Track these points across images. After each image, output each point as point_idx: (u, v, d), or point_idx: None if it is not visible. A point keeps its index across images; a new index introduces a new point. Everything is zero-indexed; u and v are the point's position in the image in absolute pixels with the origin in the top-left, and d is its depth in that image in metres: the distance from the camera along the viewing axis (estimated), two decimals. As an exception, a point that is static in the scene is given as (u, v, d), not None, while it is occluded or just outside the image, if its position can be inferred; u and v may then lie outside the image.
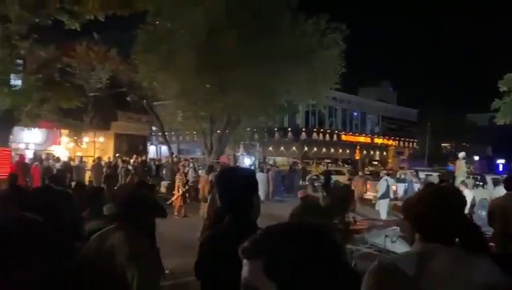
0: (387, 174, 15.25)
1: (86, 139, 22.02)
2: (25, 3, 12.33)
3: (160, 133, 26.79)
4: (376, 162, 43.40)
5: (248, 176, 2.17)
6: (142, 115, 26.85)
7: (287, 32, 16.77)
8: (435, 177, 15.73)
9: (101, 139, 24.86)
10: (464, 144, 45.38)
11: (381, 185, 14.01)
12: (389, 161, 44.04)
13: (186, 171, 20.06)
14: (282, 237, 0.90)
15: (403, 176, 18.01)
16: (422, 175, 17.85)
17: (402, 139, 48.80)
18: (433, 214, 1.53)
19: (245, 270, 0.90)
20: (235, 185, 2.02)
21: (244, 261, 0.90)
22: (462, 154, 16.04)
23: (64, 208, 2.78)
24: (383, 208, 13.70)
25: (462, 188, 10.12)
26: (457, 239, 1.54)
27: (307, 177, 20.29)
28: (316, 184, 16.70)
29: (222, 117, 19.55)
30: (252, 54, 15.74)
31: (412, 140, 49.14)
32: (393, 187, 14.79)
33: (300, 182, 22.01)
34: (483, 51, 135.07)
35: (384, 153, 46.51)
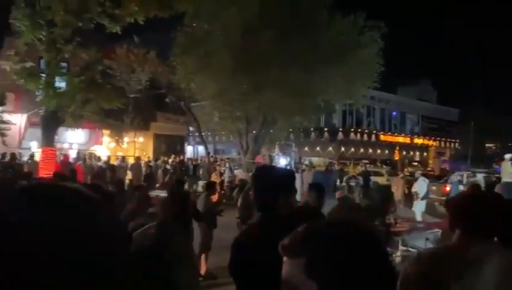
0: (423, 175, 14.75)
1: (126, 139, 22.63)
2: (69, 8, 12.82)
3: (197, 134, 27.21)
4: (416, 163, 42.24)
5: (282, 175, 2.15)
6: (180, 116, 27.35)
7: (323, 31, 16.60)
8: (480, 178, 15.16)
9: (141, 139, 25.48)
10: (510, 144, 43.39)
11: (420, 186, 13.50)
12: (430, 161, 42.75)
13: (222, 171, 20.29)
14: (324, 235, 0.86)
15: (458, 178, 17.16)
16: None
17: (443, 139, 47.23)
18: (477, 208, 1.65)
19: (285, 269, 0.88)
20: (268, 184, 2.01)
21: (284, 259, 0.88)
22: (508, 156, 15.31)
23: (109, 206, 2.85)
24: (418, 210, 13.26)
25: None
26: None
27: (344, 178, 19.99)
28: (351, 184, 16.44)
29: (258, 117, 19.61)
30: (287, 54, 15.68)
31: (453, 140, 47.50)
32: (433, 188, 14.28)
33: (338, 183, 21.73)
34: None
35: (425, 154, 45.19)
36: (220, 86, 17.66)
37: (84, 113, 15.04)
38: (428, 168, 35.44)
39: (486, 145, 45.86)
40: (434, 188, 14.41)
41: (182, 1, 6.15)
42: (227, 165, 21.42)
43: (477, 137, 42.20)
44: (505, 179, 13.41)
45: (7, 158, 13.97)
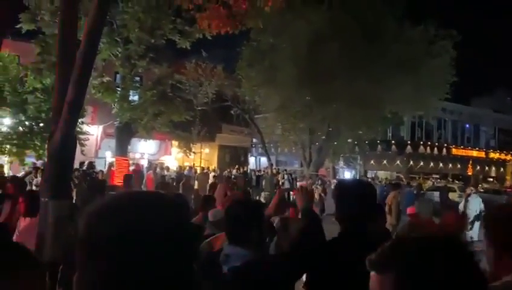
0: (475, 192, 12.94)
1: (193, 150, 23.41)
2: (143, 25, 13.61)
3: (260, 145, 27.50)
4: (492, 179, 39.45)
5: (365, 188, 2.13)
6: (244, 128, 27.83)
7: (391, 40, 16.17)
8: None
9: (207, 150, 26.19)
10: None
11: (473, 205, 11.71)
12: (507, 177, 39.74)
13: (281, 182, 20.27)
14: (415, 251, 0.84)
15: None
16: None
17: (523, 154, 43.72)
18: None
19: (372, 283, 0.87)
20: (350, 196, 2.01)
21: (372, 273, 0.87)
22: None
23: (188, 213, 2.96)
24: (475, 232, 11.51)
25: None
26: None
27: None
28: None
29: (321, 129, 19.42)
30: (354, 64, 15.44)
31: (535, 155, 43.80)
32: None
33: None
34: None
35: (501, 169, 42.10)
36: (283, 98, 17.76)
37: (155, 125, 15.79)
38: (506, 185, 32.96)
39: None
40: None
41: (252, 18, 6.30)
42: (285, 176, 21.38)
43: None
44: None
45: (85, 166, 14.95)
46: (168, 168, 18.88)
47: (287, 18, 16.16)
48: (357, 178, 24.65)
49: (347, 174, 27.88)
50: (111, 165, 15.31)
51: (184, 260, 0.75)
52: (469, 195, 12.30)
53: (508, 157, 42.45)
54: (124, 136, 16.17)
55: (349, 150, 25.71)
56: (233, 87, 20.66)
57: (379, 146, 34.05)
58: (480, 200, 11.95)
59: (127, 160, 15.74)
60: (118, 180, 14.26)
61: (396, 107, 19.31)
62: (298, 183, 22.40)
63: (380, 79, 15.85)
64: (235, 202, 2.46)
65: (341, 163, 29.11)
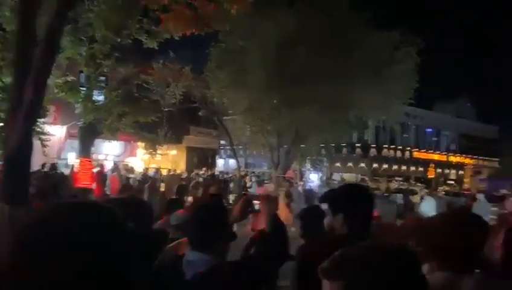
0: (429, 194, 13.42)
1: (159, 151, 23.08)
2: (109, 24, 13.31)
3: (228, 147, 27.44)
4: (452, 181, 40.95)
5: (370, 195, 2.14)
6: (212, 130, 27.71)
7: (358, 46, 16.50)
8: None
9: (174, 152, 25.90)
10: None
11: (425, 207, 11.78)
12: (466, 180, 41.35)
13: (248, 185, 20.32)
14: (362, 259, 0.86)
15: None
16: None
17: (481, 157, 45.60)
18: (454, 243, 1.46)
19: None
20: (358, 203, 1.98)
21: (324, 281, 0.88)
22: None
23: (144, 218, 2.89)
24: None
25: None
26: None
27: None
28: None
29: (289, 132, 19.57)
30: (321, 69, 15.65)
31: (492, 159, 45.80)
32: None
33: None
34: None
35: (461, 172, 43.75)
36: (252, 101, 17.79)
37: (120, 125, 15.48)
38: (464, 188, 34.28)
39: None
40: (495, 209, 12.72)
41: (218, 20, 6.28)
42: (253, 179, 21.44)
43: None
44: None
45: (46, 168, 14.49)
46: (133, 170, 18.55)
47: (256, 21, 16.21)
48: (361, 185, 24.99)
49: (314, 177, 28.21)
50: (74, 166, 14.92)
51: (119, 268, 0.75)
52: (422, 197, 12.64)
53: (467, 160, 44.19)
54: (87, 137, 15.77)
55: (316, 153, 26.01)
56: (201, 89, 20.50)
57: (345, 149, 34.72)
58: (434, 202, 12.03)
59: (90, 161, 15.37)
60: (82, 182, 13.93)
61: (361, 112, 19.70)
62: (262, 189, 22.55)
63: (347, 84, 16.14)
64: (199, 206, 2.42)
65: (308, 165, 29.41)
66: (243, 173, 25.45)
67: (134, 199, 3.14)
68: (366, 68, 16.16)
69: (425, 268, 1.48)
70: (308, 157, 26.54)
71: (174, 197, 8.09)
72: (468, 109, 52.11)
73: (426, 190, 14.78)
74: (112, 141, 19.65)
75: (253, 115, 18.74)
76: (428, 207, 11.56)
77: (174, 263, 2.38)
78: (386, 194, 19.03)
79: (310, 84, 15.90)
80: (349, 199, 1.99)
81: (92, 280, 0.70)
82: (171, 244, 2.81)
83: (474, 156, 44.92)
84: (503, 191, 27.02)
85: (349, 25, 16.54)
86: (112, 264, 0.74)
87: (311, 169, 29.69)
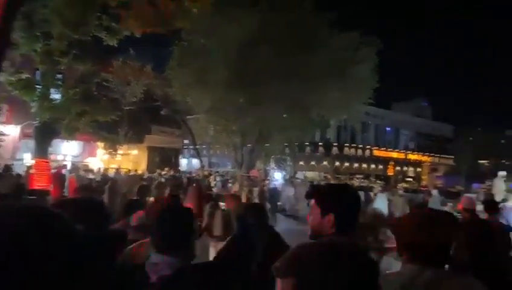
0: (382, 191, 14.23)
1: (120, 151, 22.58)
2: (66, 21, 12.86)
3: (192, 147, 27.20)
4: (410, 179, 42.37)
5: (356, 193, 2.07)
6: (175, 129, 27.37)
7: (320, 47, 16.76)
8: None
9: (135, 152, 25.42)
10: (503, 161, 43.66)
11: (377, 203, 12.47)
12: (423, 177, 42.90)
13: (214, 184, 20.21)
14: (312, 256, 0.87)
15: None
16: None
17: (437, 155, 47.47)
18: (424, 238, 1.57)
19: (277, 288, 0.89)
20: (343, 203, 1.91)
21: (277, 279, 0.89)
22: (502, 173, 15.54)
23: (99, 219, 2.81)
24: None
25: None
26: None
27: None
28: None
29: (253, 131, 19.63)
30: (284, 69, 15.79)
31: (447, 156, 47.77)
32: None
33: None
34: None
35: (418, 170, 45.36)
36: (215, 100, 17.71)
37: (79, 125, 15.00)
38: (422, 185, 35.57)
39: (480, 161, 46.08)
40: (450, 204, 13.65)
41: (179, 19, 6.18)
42: (217, 178, 21.37)
43: (471, 153, 42.45)
44: (498, 196, 13.48)
45: (0, 169, 13.87)
46: (92, 171, 18.04)
47: (219, 19, 16.15)
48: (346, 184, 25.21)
49: (278, 175, 28.46)
50: (30, 167, 14.36)
51: (63, 270, 0.74)
52: (376, 194, 13.35)
53: (425, 158, 45.85)
54: (44, 136, 15.17)
55: (280, 152, 26.24)
56: (163, 87, 20.19)
57: (308, 148, 35.23)
58: (386, 199, 12.88)
59: (47, 162, 14.81)
60: (38, 184, 13.41)
61: (323, 111, 20.03)
62: (229, 186, 22.49)
63: (309, 83, 16.36)
64: (164, 208, 2.36)
65: (272, 164, 29.64)
66: (206, 173, 25.29)
67: (88, 200, 3.05)
68: (328, 68, 16.44)
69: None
70: (272, 157, 26.75)
71: (135, 198, 7.92)
72: (425, 108, 54.14)
73: (380, 188, 15.50)
74: (70, 141, 19.01)
75: (217, 115, 18.66)
76: (381, 204, 12.26)
77: (135, 266, 2.33)
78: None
79: (274, 83, 16.01)
80: (341, 199, 1.94)
81: (37, 281, 0.70)
82: (131, 246, 2.75)
83: (431, 154, 46.71)
84: (459, 188, 28.28)
85: (312, 25, 16.78)
86: (53, 266, 0.73)
87: (275, 168, 29.94)
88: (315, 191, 2.19)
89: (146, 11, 5.93)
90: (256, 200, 15.85)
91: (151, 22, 5.85)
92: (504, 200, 11.95)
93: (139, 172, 20.61)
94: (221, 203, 6.16)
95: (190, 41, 18.11)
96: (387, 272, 2.06)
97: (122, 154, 22.95)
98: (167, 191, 13.47)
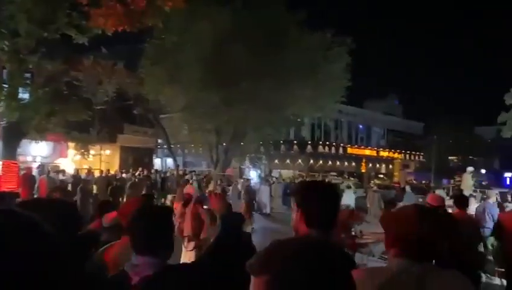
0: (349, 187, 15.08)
1: (92, 152, 22.12)
2: (34, 18, 12.50)
3: (165, 146, 26.88)
4: (382, 175, 43.17)
5: (333, 190, 2.02)
6: (148, 128, 26.99)
7: (293, 46, 16.88)
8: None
9: (107, 152, 24.96)
10: (471, 157, 45.05)
11: (345, 199, 13.05)
12: (395, 174, 43.79)
13: (191, 183, 20.05)
14: (286, 253, 0.88)
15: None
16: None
17: (408, 152, 48.57)
18: (415, 233, 1.58)
19: (251, 286, 0.90)
20: (321, 200, 1.88)
21: (252, 277, 0.90)
22: (470, 169, 16.02)
23: (70, 221, 2.77)
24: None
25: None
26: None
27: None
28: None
29: (228, 130, 19.59)
30: (258, 68, 15.84)
31: (418, 153, 48.94)
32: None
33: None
34: (489, 65, 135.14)
35: (390, 166, 46.28)
36: (189, 99, 17.59)
37: (49, 125, 14.63)
38: (394, 181, 36.33)
39: (449, 158, 47.41)
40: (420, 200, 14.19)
41: (150, 17, 6.10)
42: (194, 177, 21.23)
43: (440, 150, 43.57)
44: (466, 191, 13.93)
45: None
46: (64, 172, 17.62)
47: (192, 18, 16.05)
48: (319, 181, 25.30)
49: (253, 174, 28.52)
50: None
51: (29, 273, 0.75)
52: (343, 191, 14.06)
53: (396, 155, 46.80)
54: (12, 137, 14.70)
55: (254, 150, 26.28)
56: (136, 86, 19.87)
57: (282, 146, 35.39)
58: (353, 194, 13.32)
59: (16, 164, 14.39)
60: (7, 186, 13.02)
61: (297, 109, 20.20)
62: (210, 187, 22.39)
63: (283, 82, 16.47)
64: (141, 209, 2.32)
65: (247, 163, 29.67)
66: (181, 172, 25.09)
67: (57, 201, 3.01)
68: (301, 67, 16.59)
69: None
70: (247, 155, 26.77)
71: (107, 199, 7.82)
72: (396, 107, 55.32)
73: (345, 184, 16.13)
74: (40, 142, 18.47)
75: (192, 113, 18.53)
76: (348, 200, 12.92)
77: (100, 269, 2.31)
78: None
79: (248, 82, 16.04)
80: (308, 195, 1.92)
81: (5, 282, 0.70)
82: (103, 248, 2.73)
83: (402, 151, 47.73)
84: (429, 184, 29.03)
85: (284, 24, 16.89)
86: (22, 267, 0.74)
87: (250, 166, 29.99)
88: (291, 189, 2.21)
89: (116, 9, 5.82)
90: (231, 200, 15.84)
91: (122, 20, 5.74)
92: (471, 195, 12.36)
93: (112, 172, 20.27)
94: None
95: (163, 39, 17.91)
96: (368, 267, 2.08)
97: (94, 155, 22.48)
98: (141, 191, 13.36)
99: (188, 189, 6.78)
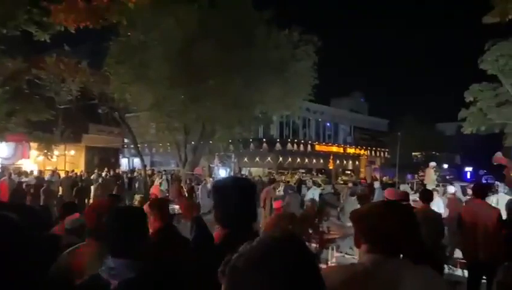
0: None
1: (56, 152, 21.49)
2: (-9, 14, 12.02)
3: (132, 146, 26.40)
4: (349, 172, 43.98)
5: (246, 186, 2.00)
6: (114, 128, 26.44)
7: (261, 43, 16.93)
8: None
9: (72, 152, 24.32)
10: (434, 152, 46.52)
11: (308, 196, 13.38)
12: (362, 170, 44.71)
13: (160, 182, 19.81)
14: (247, 260, 0.87)
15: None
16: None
17: (374, 148, 49.69)
18: (384, 228, 1.60)
19: None
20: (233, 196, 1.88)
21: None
22: (432, 164, 16.56)
23: (34, 224, 2.70)
24: None
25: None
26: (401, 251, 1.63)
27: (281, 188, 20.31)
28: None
29: (196, 128, 19.44)
30: (226, 65, 15.79)
31: (383, 149, 50.15)
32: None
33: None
34: (451, 62, 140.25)
35: (357, 163, 47.21)
36: (156, 97, 17.32)
37: (9, 125, 14.14)
38: (360, 177, 37.08)
39: (413, 153, 48.77)
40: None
41: (114, 13, 5.96)
42: (163, 177, 20.99)
43: (404, 146, 44.75)
44: (429, 185, 14.40)
45: None
46: (26, 173, 17.04)
47: (157, 15, 15.83)
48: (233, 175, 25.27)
49: (222, 172, 28.46)
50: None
51: None
52: (309, 188, 14.50)
53: (362, 151, 47.79)
54: (-30, 138, 14.15)
55: (224, 149, 26.20)
56: (101, 85, 19.38)
57: (252, 144, 35.47)
58: (317, 191, 13.63)
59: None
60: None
61: (266, 107, 20.26)
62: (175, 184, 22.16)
63: (251, 80, 16.49)
64: (116, 210, 2.25)
65: (216, 161, 29.55)
66: (149, 172, 24.73)
67: (17, 205, 2.93)
68: (268, 65, 16.66)
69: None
70: (217, 154, 26.67)
71: (72, 200, 7.63)
72: (362, 104, 56.47)
73: (315, 180, 16.51)
74: (0, 143, 17.80)
75: (159, 112, 18.26)
76: (312, 195, 12.95)
77: (67, 273, 2.27)
78: (293, 186, 19.97)
79: (216, 80, 15.97)
80: (220, 194, 1.89)
81: None
82: (68, 251, 2.67)
83: (368, 148, 48.80)
84: (395, 179, 29.81)
85: (251, 22, 16.91)
86: None
87: (220, 165, 29.90)
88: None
89: (78, 5, 5.66)
90: (201, 199, 15.78)
91: (84, 16, 5.59)
92: (434, 189, 12.78)
93: (77, 173, 19.77)
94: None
95: (128, 37, 17.56)
96: (341, 264, 2.10)
97: (58, 155, 21.85)
98: (109, 192, 13.08)
99: (153, 189, 6.73)
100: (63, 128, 20.38)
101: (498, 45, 19.30)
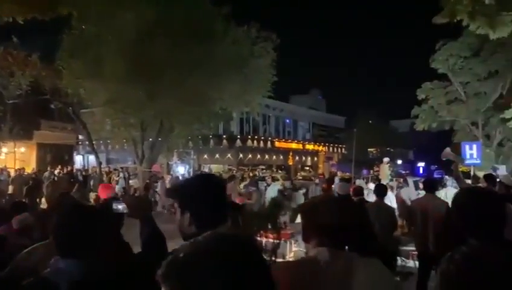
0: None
1: (4, 149, 20.50)
2: None
3: (87, 142, 25.56)
4: (308, 168, 44.73)
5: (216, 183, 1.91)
6: (67, 124, 25.51)
7: (219, 39, 16.82)
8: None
9: (22, 149, 23.28)
10: (388, 148, 48.12)
11: (269, 193, 13.61)
12: (320, 166, 45.58)
13: (117, 180, 19.36)
14: (185, 264, 0.85)
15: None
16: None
17: (331, 145, 50.74)
18: (335, 221, 1.61)
19: None
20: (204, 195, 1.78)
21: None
22: (386, 159, 17.15)
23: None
24: None
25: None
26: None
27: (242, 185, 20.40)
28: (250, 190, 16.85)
29: (154, 125, 19.07)
30: (183, 61, 15.58)
31: (340, 146, 51.32)
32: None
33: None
34: (404, 62, 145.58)
35: (315, 159, 48.06)
36: (112, 92, 16.84)
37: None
38: (318, 173, 37.78)
39: (368, 149, 50.20)
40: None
41: (64, 4, 5.71)
42: (121, 175, 20.51)
43: (360, 143, 45.95)
44: (383, 180, 14.90)
45: None
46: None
47: (112, 7, 15.38)
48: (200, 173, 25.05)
49: (181, 169, 28.15)
50: None
51: None
52: (269, 185, 14.66)
53: (320, 148, 48.72)
54: None
55: (182, 146, 25.89)
56: (53, 79, 18.60)
57: (211, 141, 35.27)
58: (277, 188, 13.71)
59: None
60: None
61: (226, 104, 20.17)
62: (130, 182, 21.70)
63: (209, 76, 16.36)
64: (66, 209, 2.13)
65: (175, 158, 29.16)
66: (106, 170, 24.10)
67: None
68: (227, 61, 16.60)
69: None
70: (175, 150, 26.31)
71: (23, 199, 7.31)
72: (320, 101, 57.48)
73: (276, 176, 16.74)
74: None
75: (114, 108, 17.76)
76: (273, 193, 12.94)
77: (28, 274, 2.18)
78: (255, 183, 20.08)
79: (173, 75, 15.73)
80: (195, 196, 1.78)
81: None
82: (26, 251, 2.56)
83: (326, 144, 49.79)
84: (350, 175, 30.57)
85: (209, 18, 16.77)
86: None
87: (179, 162, 29.54)
88: (175, 187, 2.13)
89: (22, -4, 5.41)
90: (160, 196, 15.57)
91: (32, 6, 5.32)
92: (388, 184, 13.23)
93: (28, 171, 18.94)
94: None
95: (82, 30, 16.96)
96: (293, 259, 2.13)
97: (7, 153, 20.85)
98: (61, 190, 12.63)
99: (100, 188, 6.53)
100: (12, 125, 19.45)
101: (448, 45, 20.21)
